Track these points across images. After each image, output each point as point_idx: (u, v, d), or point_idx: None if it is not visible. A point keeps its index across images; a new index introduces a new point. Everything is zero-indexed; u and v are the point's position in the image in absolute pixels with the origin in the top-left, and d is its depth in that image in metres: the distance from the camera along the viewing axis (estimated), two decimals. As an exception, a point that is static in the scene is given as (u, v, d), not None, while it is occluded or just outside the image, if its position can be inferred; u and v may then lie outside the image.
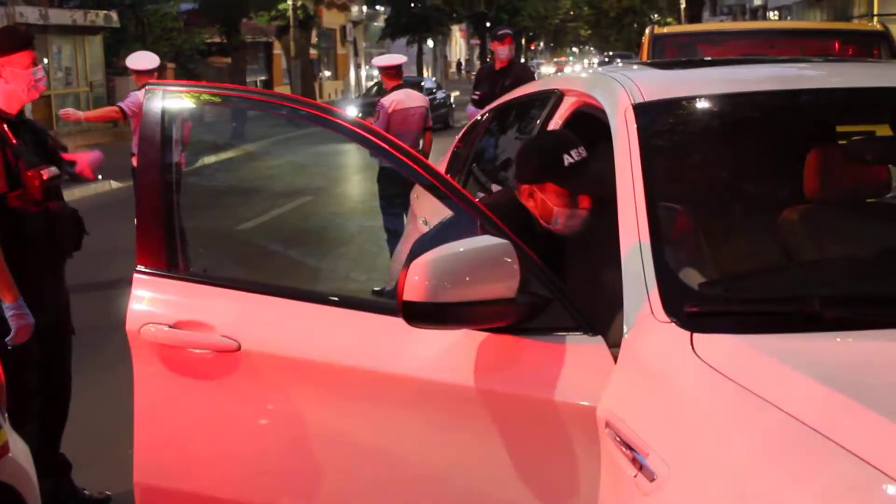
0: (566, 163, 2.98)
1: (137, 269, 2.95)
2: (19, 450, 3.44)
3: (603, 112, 3.09)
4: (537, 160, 3.06)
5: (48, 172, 4.29)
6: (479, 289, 2.43)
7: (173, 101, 3.05)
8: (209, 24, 32.35)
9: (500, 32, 9.60)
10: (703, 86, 3.28)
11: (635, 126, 2.87)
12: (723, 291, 2.59)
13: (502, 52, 9.47)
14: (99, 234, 11.71)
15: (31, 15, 22.59)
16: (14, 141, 4.22)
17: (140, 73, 9.26)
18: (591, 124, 3.24)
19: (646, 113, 2.94)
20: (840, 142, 3.44)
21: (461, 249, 2.45)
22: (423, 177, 2.80)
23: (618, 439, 2.25)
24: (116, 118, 9.35)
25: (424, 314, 2.42)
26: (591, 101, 3.22)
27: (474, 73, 40.16)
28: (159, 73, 9.48)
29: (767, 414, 1.97)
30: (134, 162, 9.06)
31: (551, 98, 3.73)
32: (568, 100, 3.60)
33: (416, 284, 2.38)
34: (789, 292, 2.55)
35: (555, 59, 64.34)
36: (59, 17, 23.97)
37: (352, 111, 20.00)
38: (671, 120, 3.08)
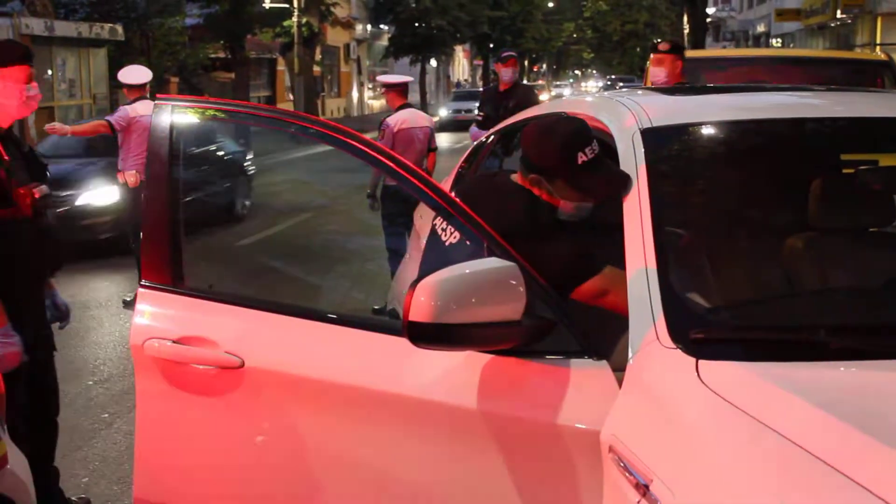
0: (580, 161, 2.89)
1: (142, 283, 2.95)
2: (18, 461, 3.43)
3: (610, 136, 3.09)
4: (552, 156, 2.94)
5: (39, 191, 4.24)
6: (485, 311, 2.43)
7: (182, 115, 3.05)
8: (214, 40, 32.44)
9: (504, 55, 9.61)
10: (710, 112, 3.29)
11: (642, 150, 2.88)
12: (729, 318, 2.59)
13: (506, 74, 9.49)
14: (96, 247, 11.67)
15: (36, 26, 22.63)
16: (6, 157, 4.16)
17: (131, 88, 9.26)
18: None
19: (653, 137, 2.95)
20: (845, 171, 3.44)
21: (467, 271, 2.45)
22: (429, 197, 2.80)
23: (621, 464, 2.24)
24: (104, 132, 9.27)
25: (429, 335, 2.41)
26: (598, 124, 3.23)
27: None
28: (157, 88, 9.50)
29: (772, 442, 1.97)
30: (119, 178, 9.08)
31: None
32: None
33: (421, 305, 2.38)
34: (795, 321, 2.55)
35: (555, 83, 64.06)
36: (64, 29, 24.00)
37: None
38: (678, 145, 3.08)
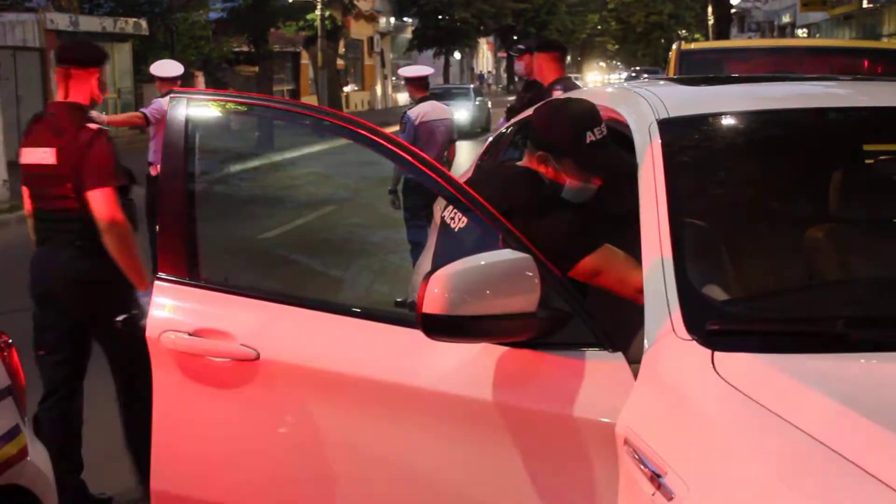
0: (588, 140, 2.94)
1: (158, 276, 2.96)
2: (37, 453, 3.46)
3: (627, 127, 3.07)
4: (560, 134, 3.00)
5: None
6: (500, 303, 2.42)
7: (198, 109, 3.05)
8: (237, 34, 32.54)
9: (518, 47, 9.55)
10: (728, 102, 3.27)
11: (659, 142, 2.86)
12: (745, 310, 2.57)
13: (518, 67, 9.41)
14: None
15: (61, 22, 22.78)
16: None
17: (164, 81, 9.35)
18: (615, 139, 3.22)
19: (670, 129, 2.93)
20: (867, 161, 3.41)
21: (482, 262, 2.45)
22: (446, 189, 2.79)
23: (636, 457, 2.23)
24: (139, 124, 9.47)
25: (443, 327, 2.41)
26: (616, 116, 3.21)
27: (494, 85, 40.18)
28: (184, 81, 9.56)
29: (788, 435, 1.95)
30: (151, 171, 9.12)
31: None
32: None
33: (435, 297, 2.37)
34: (813, 312, 2.53)
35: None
36: (88, 24, 24.16)
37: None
38: (696, 136, 3.06)
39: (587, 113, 3.04)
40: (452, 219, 2.99)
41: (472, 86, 36.29)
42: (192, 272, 2.96)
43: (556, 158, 3.00)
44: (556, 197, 3.00)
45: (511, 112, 8.83)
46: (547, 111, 3.13)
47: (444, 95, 24.06)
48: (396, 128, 9.42)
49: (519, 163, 3.18)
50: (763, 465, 1.93)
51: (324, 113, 3.06)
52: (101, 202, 4.35)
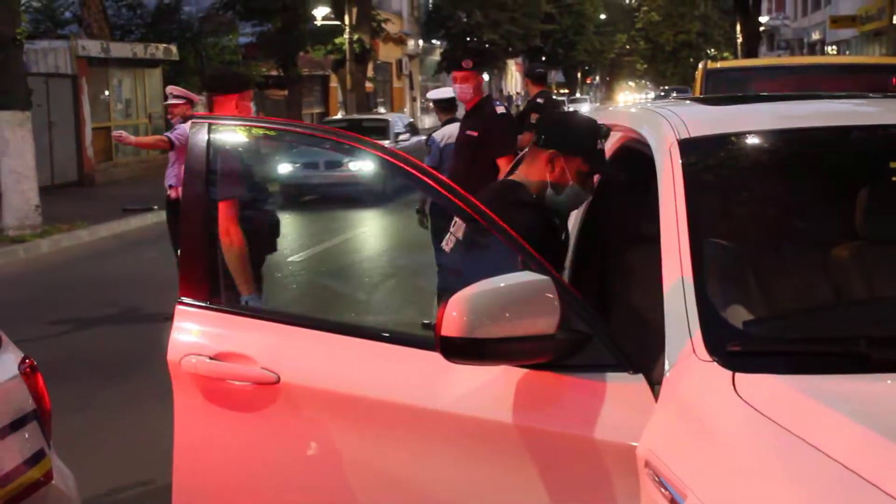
0: (599, 146, 3.36)
1: (180, 300, 2.97)
2: (63, 477, 3.47)
3: (648, 147, 3.06)
4: (578, 135, 3.39)
5: None
6: (519, 325, 2.42)
7: (219, 134, 3.07)
8: (267, 58, 32.74)
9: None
10: (750, 122, 3.25)
11: (680, 162, 2.84)
12: (766, 330, 2.54)
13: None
14: (144, 264, 11.82)
15: (92, 48, 23.00)
16: None
17: (178, 103, 9.53)
18: (637, 159, 3.22)
19: (691, 149, 2.91)
20: (893, 178, 3.37)
21: (501, 285, 2.44)
22: (465, 212, 2.79)
23: (657, 479, 2.21)
24: (165, 147, 9.61)
25: (462, 350, 2.40)
26: (637, 136, 3.20)
27: (522, 105, 40.22)
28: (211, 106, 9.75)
29: (810, 458, 1.93)
30: (171, 193, 9.22)
31: (598, 133, 3.71)
32: (614, 135, 3.58)
33: (453, 320, 2.37)
34: (835, 332, 2.50)
35: (567, 94, 61.23)
36: (119, 50, 24.38)
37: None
38: (717, 156, 3.04)
39: (596, 123, 3.44)
40: (447, 241, 3.14)
41: (500, 103, 36.30)
42: (213, 296, 2.97)
43: (567, 157, 3.34)
44: (538, 204, 3.37)
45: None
46: (563, 116, 3.61)
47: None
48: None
49: (512, 176, 3.51)
50: (784, 489, 1.91)
51: (342, 136, 3.07)
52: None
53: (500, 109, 7.64)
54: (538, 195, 3.42)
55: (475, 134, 7.22)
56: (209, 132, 3.03)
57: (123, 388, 7.25)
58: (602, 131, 3.38)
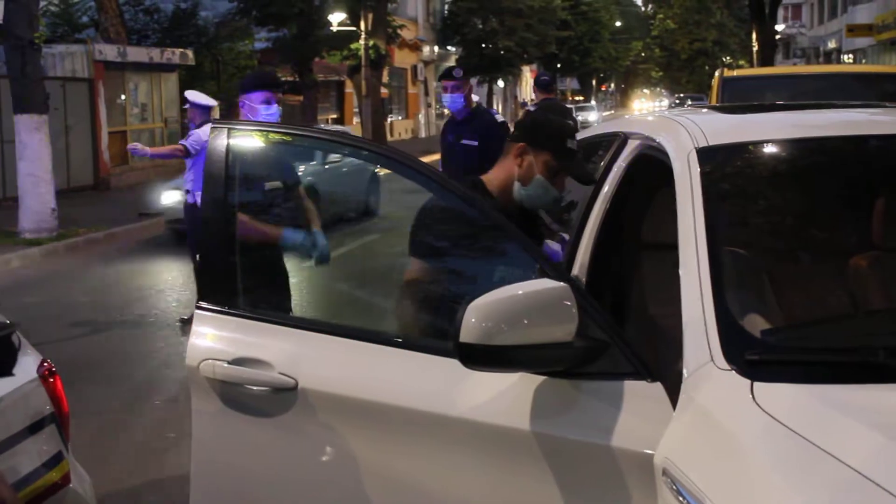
0: (568, 144, 3.53)
1: (198, 304, 2.98)
2: (81, 480, 3.49)
3: (666, 155, 3.06)
4: (549, 131, 3.56)
5: None
6: (536, 332, 2.42)
7: (238, 139, 3.08)
8: (282, 63, 32.83)
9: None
10: (768, 130, 3.24)
11: (698, 170, 2.84)
12: (785, 339, 2.54)
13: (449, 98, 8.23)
14: (160, 268, 11.82)
15: (109, 52, 23.09)
16: None
17: (196, 109, 9.54)
18: (654, 168, 3.22)
19: (709, 157, 2.91)
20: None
21: (519, 292, 2.44)
22: (483, 219, 2.80)
23: (674, 488, 2.21)
24: (179, 156, 9.59)
25: (480, 356, 2.41)
26: (655, 144, 3.20)
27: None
28: (227, 111, 9.81)
29: (829, 468, 1.93)
30: (189, 198, 9.24)
31: (615, 141, 3.72)
32: (632, 143, 3.58)
33: (472, 327, 2.38)
34: (853, 341, 2.49)
35: (577, 101, 58.94)
36: (136, 54, 24.47)
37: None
38: (735, 164, 3.04)
39: (567, 123, 3.63)
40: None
41: (496, 112, 36.45)
42: (232, 301, 2.98)
43: (535, 151, 3.53)
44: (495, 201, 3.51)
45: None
46: (540, 113, 3.72)
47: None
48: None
49: (484, 174, 3.67)
50: (802, 498, 1.90)
51: (361, 142, 3.08)
52: None
53: (499, 118, 7.93)
54: (502, 192, 3.56)
55: (475, 143, 7.31)
56: (229, 137, 3.05)
57: (138, 390, 7.28)
58: (568, 129, 3.56)
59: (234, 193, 3.04)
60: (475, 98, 8.11)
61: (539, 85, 11.37)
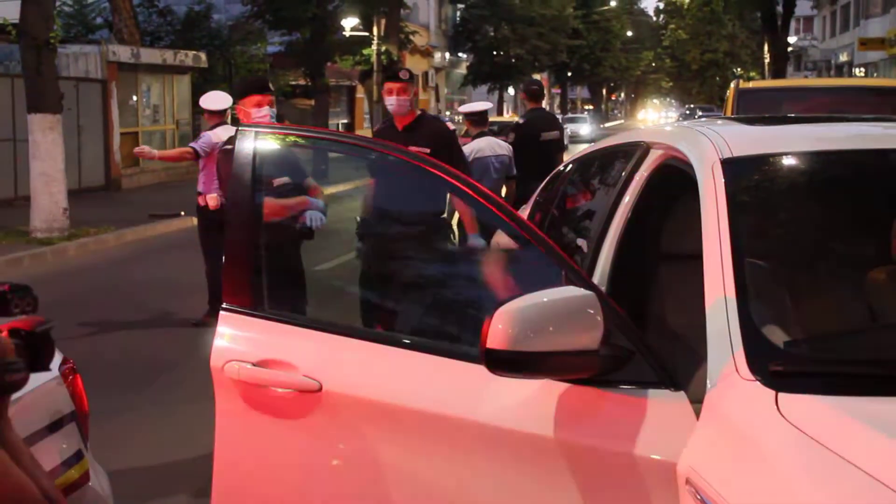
0: None
1: (224, 306, 2.99)
2: (99, 479, 3.51)
3: (690, 166, 3.08)
4: None
5: None
6: (562, 339, 2.43)
7: (265, 142, 3.10)
8: (294, 67, 32.90)
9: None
10: (791, 143, 3.25)
11: (723, 181, 2.86)
12: (809, 351, 2.55)
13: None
14: (171, 269, 11.81)
15: (123, 54, 23.15)
16: None
17: (212, 113, 9.43)
18: (676, 178, 3.23)
19: (734, 168, 2.92)
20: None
21: (545, 300, 2.46)
22: (507, 224, 2.81)
23: (698, 497, 2.22)
24: (189, 158, 9.49)
25: (506, 362, 2.42)
26: (678, 154, 3.22)
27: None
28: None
29: (853, 478, 1.94)
30: (200, 201, 9.19)
31: (637, 151, 3.73)
32: (654, 152, 3.59)
33: (499, 332, 2.39)
34: (878, 354, 2.50)
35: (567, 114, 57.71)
36: (149, 56, 24.53)
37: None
38: (759, 176, 3.05)
39: None
40: None
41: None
42: (256, 302, 3.00)
43: None
44: None
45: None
46: None
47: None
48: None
49: None
50: (828, 508, 1.91)
51: (389, 148, 3.10)
52: None
53: (450, 124, 7.90)
54: None
55: (427, 150, 6.86)
56: (255, 139, 3.07)
57: (151, 391, 7.30)
58: None
59: (260, 194, 3.05)
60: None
61: (528, 94, 10.54)
